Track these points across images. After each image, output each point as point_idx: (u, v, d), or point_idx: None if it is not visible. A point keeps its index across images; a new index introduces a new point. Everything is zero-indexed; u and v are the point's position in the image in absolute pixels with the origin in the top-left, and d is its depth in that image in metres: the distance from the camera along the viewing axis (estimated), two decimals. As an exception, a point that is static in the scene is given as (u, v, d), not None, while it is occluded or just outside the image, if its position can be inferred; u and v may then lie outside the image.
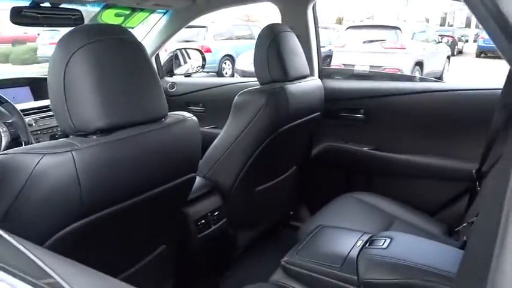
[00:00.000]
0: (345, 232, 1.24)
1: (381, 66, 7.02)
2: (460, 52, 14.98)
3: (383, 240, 1.09)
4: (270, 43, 1.43)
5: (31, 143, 1.52)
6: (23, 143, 1.51)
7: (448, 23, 18.97)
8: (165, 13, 2.05)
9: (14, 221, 0.77)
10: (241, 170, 1.48)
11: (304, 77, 1.58)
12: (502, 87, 1.57)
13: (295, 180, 1.87)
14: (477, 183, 1.52)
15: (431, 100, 1.70)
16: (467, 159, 1.59)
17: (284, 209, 1.95)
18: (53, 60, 0.83)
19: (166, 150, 0.95)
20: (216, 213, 1.46)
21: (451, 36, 12.61)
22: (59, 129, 1.77)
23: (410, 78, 5.62)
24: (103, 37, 0.84)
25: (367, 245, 1.10)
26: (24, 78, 1.99)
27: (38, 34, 11.19)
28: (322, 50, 1.97)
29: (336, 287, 1.03)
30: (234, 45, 9.82)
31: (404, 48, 7.24)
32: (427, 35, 8.51)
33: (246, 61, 8.39)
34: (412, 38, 7.75)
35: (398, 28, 7.46)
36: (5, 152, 0.78)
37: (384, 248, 1.06)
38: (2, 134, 1.45)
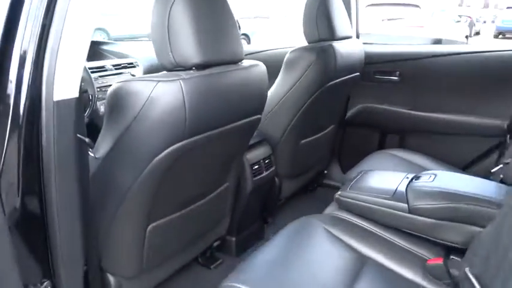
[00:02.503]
0: (390, 173, 1.36)
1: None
2: (478, 33, 14.74)
3: (428, 176, 1.22)
4: (320, 3, 1.54)
5: (97, 98, 1.67)
6: (90, 95, 1.66)
7: (466, 3, 18.62)
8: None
9: (133, 136, 0.92)
10: (290, 123, 1.62)
11: (348, 37, 1.69)
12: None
13: (332, 139, 2.00)
14: (508, 136, 1.64)
15: (463, 61, 1.80)
16: (498, 117, 1.70)
17: (320, 166, 2.08)
18: (157, 5, 0.96)
19: (245, 88, 1.10)
20: (267, 161, 1.60)
21: (469, 17, 12.42)
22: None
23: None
24: None
25: (414, 180, 1.23)
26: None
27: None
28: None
29: (387, 214, 1.16)
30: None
31: (423, 27, 7.21)
32: (446, 14, 8.43)
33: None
34: (432, 16, 7.69)
35: (417, 6, 7.40)
36: (123, 79, 0.92)
37: (431, 181, 1.18)
38: (74, 87, 1.60)
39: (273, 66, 1.59)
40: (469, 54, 1.80)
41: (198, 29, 0.95)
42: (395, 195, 1.18)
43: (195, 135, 0.97)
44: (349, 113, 2.09)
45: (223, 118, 1.06)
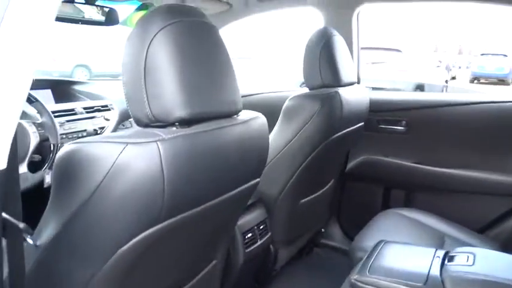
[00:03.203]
0: (414, 248, 1.14)
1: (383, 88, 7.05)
2: (454, 78, 15.24)
3: (465, 256, 1.00)
4: (323, 46, 1.36)
5: (60, 146, 1.41)
6: (52, 145, 1.40)
7: (441, 50, 19.42)
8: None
9: (89, 219, 0.66)
10: (289, 180, 1.39)
11: (353, 83, 1.51)
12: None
13: (331, 194, 1.78)
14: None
15: (478, 112, 1.64)
16: None
17: (319, 225, 1.84)
18: (132, 42, 0.74)
19: (243, 148, 0.86)
20: (262, 226, 1.35)
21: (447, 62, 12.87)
22: (84, 134, 1.66)
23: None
24: (185, 18, 0.76)
25: (446, 262, 1.00)
26: (45, 80, 1.89)
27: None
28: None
29: None
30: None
31: (406, 70, 7.30)
32: (426, 58, 8.63)
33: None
34: (412, 61, 7.83)
35: (399, 51, 7.54)
36: (80, 140, 0.68)
37: (470, 265, 0.96)
38: (32, 135, 1.34)
39: (268, 112, 1.39)
40: (485, 104, 1.64)
41: (184, 74, 0.72)
42: (428, 282, 0.94)
43: (176, 215, 0.72)
44: (350, 166, 1.88)
45: (215, 189, 0.81)
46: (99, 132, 1.55)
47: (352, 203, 1.92)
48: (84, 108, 1.71)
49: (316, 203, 1.62)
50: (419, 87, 7.61)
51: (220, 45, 0.82)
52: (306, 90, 1.46)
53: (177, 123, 0.73)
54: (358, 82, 1.85)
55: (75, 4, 1.52)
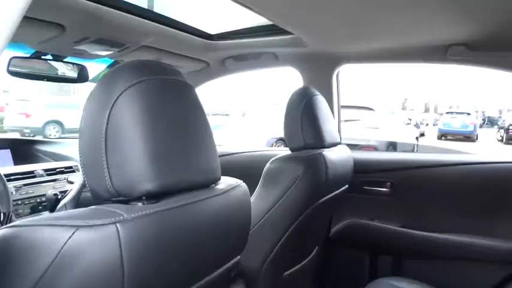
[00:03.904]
0: None
1: (358, 145, 7.15)
2: (422, 135, 15.80)
3: None
4: (304, 106, 1.30)
5: (11, 216, 1.24)
6: (2, 214, 1.23)
7: (409, 108, 20.33)
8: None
9: None
10: (272, 251, 1.25)
11: (337, 144, 1.44)
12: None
13: (317, 264, 1.64)
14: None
15: (467, 173, 1.58)
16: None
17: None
18: (93, 103, 0.63)
19: (222, 223, 0.74)
20: (241, 306, 1.18)
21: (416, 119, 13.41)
22: (43, 199, 1.50)
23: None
24: (156, 75, 0.66)
25: None
26: (4, 139, 1.74)
27: (7, 104, 10.85)
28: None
29: None
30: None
31: (379, 128, 7.47)
32: (396, 116, 8.92)
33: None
34: (384, 119, 8.06)
35: (372, 109, 7.76)
36: (19, 223, 0.54)
37: None
38: (-21, 203, 1.18)
39: (246, 174, 1.29)
40: (477, 165, 1.59)
41: (154, 139, 0.61)
42: None
43: None
44: (334, 230, 1.77)
45: (188, 275, 0.68)
46: (59, 197, 1.39)
47: (339, 272, 1.78)
48: (46, 170, 1.57)
49: (302, 275, 1.48)
50: (392, 145, 7.77)
51: (196, 106, 0.73)
52: (287, 151, 1.38)
53: (143, 198, 0.61)
54: (340, 142, 1.79)
55: (48, 61, 1.45)
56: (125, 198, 0.61)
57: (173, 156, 0.64)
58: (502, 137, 13.41)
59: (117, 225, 0.54)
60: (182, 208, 0.64)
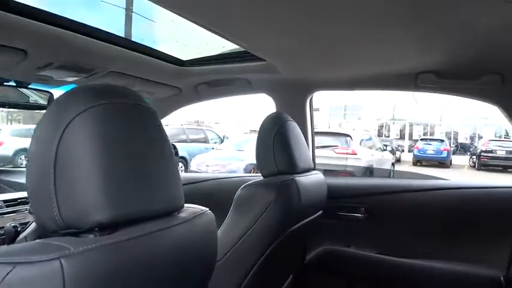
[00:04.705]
0: None
1: (335, 171, 7.20)
2: (398, 160, 16.10)
3: None
4: (277, 132, 1.29)
5: None
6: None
7: (384, 134, 20.79)
8: (144, 102, 1.89)
9: None
10: (243, 281, 1.20)
11: (310, 169, 1.42)
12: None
13: None
14: (506, 291, 1.35)
15: (442, 198, 1.59)
16: (491, 266, 1.43)
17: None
18: (42, 128, 0.60)
19: (184, 253, 0.69)
20: None
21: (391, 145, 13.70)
22: (1, 231, 1.41)
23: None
24: (113, 100, 0.63)
25: None
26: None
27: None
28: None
29: None
30: (187, 147, 9.79)
31: (356, 154, 7.57)
32: (372, 142, 9.08)
33: (201, 163, 8.29)
34: (360, 145, 8.19)
35: (349, 135, 7.88)
36: None
37: None
38: None
39: (218, 200, 1.25)
40: (452, 190, 1.60)
41: (108, 166, 0.58)
42: None
43: None
44: (309, 257, 1.73)
45: None
46: (19, 229, 1.31)
47: None
48: (5, 201, 1.48)
49: None
50: (369, 170, 7.86)
51: (158, 132, 0.70)
52: (259, 177, 1.36)
53: (96, 230, 0.56)
54: (314, 168, 1.78)
55: (18, 88, 1.41)
56: (75, 231, 0.56)
57: (130, 185, 0.61)
58: (475, 163, 13.79)
59: (62, 260, 0.49)
60: (140, 239, 0.60)
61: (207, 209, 0.82)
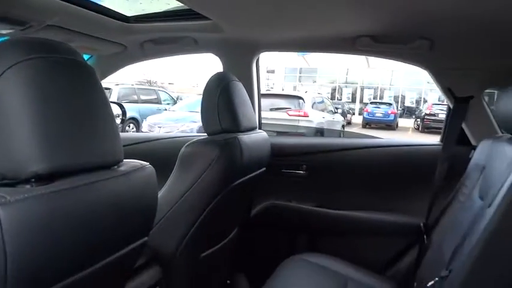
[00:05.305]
0: None
1: (287, 132, 7.38)
2: (349, 123, 16.71)
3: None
4: (221, 91, 1.32)
5: None
6: None
7: (337, 97, 21.37)
8: (88, 59, 1.83)
9: None
10: (188, 233, 1.26)
11: (253, 128, 1.48)
12: (440, 143, 1.67)
13: (236, 244, 1.69)
14: (425, 236, 1.53)
15: (373, 155, 1.72)
16: (413, 215, 1.60)
17: (223, 278, 1.72)
18: None
19: (122, 205, 0.73)
20: (156, 288, 1.19)
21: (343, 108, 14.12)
22: None
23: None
24: (49, 54, 0.64)
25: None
26: None
27: None
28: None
29: None
30: (138, 108, 9.54)
31: (308, 116, 7.77)
32: (324, 105, 9.33)
33: (153, 124, 8.13)
34: (312, 108, 8.40)
35: (301, 98, 8.04)
36: None
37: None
38: None
39: (164, 160, 1.28)
40: (382, 148, 1.74)
41: (43, 119, 0.60)
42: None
43: None
44: (254, 212, 1.83)
45: (87, 256, 0.67)
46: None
47: (258, 252, 1.85)
48: None
49: (220, 255, 1.51)
50: (320, 132, 8.14)
51: (95, 88, 0.71)
52: (204, 135, 1.40)
53: (32, 180, 0.59)
54: (260, 127, 1.85)
55: None
56: (12, 181, 0.58)
57: (66, 138, 0.63)
58: (419, 126, 14.56)
59: None
60: (76, 189, 0.63)
61: (148, 163, 0.86)
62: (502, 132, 1.44)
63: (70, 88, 0.66)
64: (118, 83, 9.39)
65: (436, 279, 1.14)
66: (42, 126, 0.59)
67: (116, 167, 0.75)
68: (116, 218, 0.72)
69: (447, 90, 1.61)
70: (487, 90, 1.63)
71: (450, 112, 1.64)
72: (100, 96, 0.72)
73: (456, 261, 1.07)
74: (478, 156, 1.36)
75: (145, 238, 0.86)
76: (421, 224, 1.55)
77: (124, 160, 0.79)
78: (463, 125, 1.60)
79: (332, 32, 1.54)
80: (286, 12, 1.33)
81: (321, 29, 1.52)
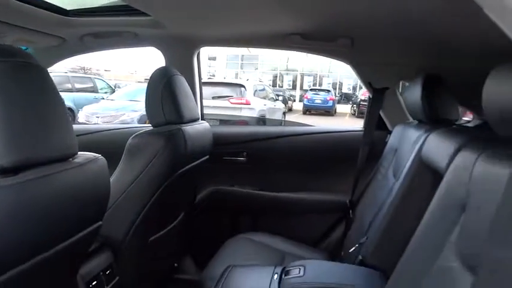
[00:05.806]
0: (257, 269, 1.24)
1: (230, 120, 7.50)
2: (290, 110, 17.19)
3: (298, 269, 1.14)
4: (164, 85, 1.41)
5: None
6: None
7: (278, 84, 21.82)
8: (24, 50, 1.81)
9: None
10: (136, 218, 1.35)
11: (196, 120, 1.58)
12: (362, 129, 1.89)
13: (182, 228, 1.80)
14: (350, 211, 1.75)
15: (306, 141, 1.91)
16: (340, 192, 1.81)
17: (171, 261, 1.83)
18: None
19: (78, 193, 0.82)
20: (108, 271, 1.27)
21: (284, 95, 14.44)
22: None
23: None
24: (7, 58, 0.71)
25: (284, 276, 1.13)
26: None
27: None
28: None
29: None
30: (73, 97, 9.10)
31: (249, 104, 7.93)
32: (266, 93, 9.55)
33: (91, 114, 7.84)
34: (254, 95, 8.58)
35: (243, 86, 8.17)
36: None
37: (301, 276, 1.10)
38: None
39: (110, 151, 1.35)
40: (313, 135, 1.92)
41: (4, 118, 0.67)
42: (269, 298, 1.04)
43: None
44: (199, 198, 1.95)
45: (50, 238, 0.76)
46: None
47: (203, 234, 1.97)
48: None
49: (167, 239, 1.62)
50: (262, 120, 8.35)
51: (48, 86, 0.79)
52: (149, 127, 1.48)
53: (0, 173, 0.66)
54: (202, 118, 1.95)
55: None
56: None
57: (28, 134, 0.71)
58: (355, 111, 15.32)
59: None
60: (38, 180, 0.71)
61: (100, 155, 0.94)
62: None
63: (29, 89, 0.73)
64: (49, 71, 8.87)
65: (357, 245, 1.35)
66: (6, 125, 0.66)
67: (71, 159, 0.83)
68: (73, 205, 0.81)
69: (367, 83, 1.82)
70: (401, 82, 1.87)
71: (370, 101, 1.86)
72: (54, 95, 0.79)
73: (371, 229, 1.28)
74: (392, 140, 1.58)
75: (100, 222, 0.95)
76: (347, 201, 1.76)
77: (78, 152, 0.87)
78: (381, 113, 1.83)
79: (265, 30, 1.67)
80: (223, 12, 1.44)
81: (254, 27, 1.65)
